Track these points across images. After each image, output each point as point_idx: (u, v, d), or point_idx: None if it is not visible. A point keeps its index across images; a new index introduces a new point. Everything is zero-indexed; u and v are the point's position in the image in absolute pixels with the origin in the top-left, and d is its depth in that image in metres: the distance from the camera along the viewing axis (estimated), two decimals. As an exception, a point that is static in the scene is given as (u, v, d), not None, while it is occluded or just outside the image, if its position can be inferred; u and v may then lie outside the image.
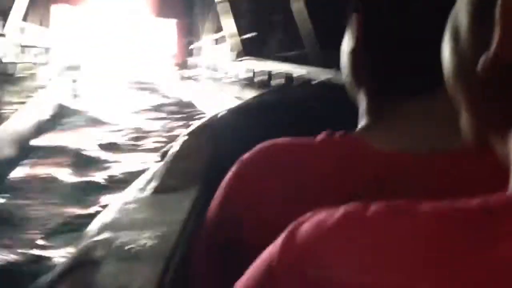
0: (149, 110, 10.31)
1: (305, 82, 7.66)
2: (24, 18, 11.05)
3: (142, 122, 8.94)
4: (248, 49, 10.88)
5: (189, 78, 13.92)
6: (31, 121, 7.81)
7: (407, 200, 0.36)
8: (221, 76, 11.92)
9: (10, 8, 9.17)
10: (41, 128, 7.90)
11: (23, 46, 10.70)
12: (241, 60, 11.02)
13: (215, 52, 13.19)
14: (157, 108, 10.63)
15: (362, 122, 0.70)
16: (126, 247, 0.96)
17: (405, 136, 0.65)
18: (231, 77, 11.33)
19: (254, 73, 10.12)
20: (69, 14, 15.18)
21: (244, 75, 10.65)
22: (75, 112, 9.33)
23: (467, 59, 0.38)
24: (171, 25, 15.89)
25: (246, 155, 0.71)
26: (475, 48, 0.37)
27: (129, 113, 9.49)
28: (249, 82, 10.08)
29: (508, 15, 0.34)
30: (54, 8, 14.55)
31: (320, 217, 0.38)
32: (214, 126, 1.14)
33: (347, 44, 0.71)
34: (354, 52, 0.69)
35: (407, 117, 0.66)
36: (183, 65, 15.42)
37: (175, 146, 1.14)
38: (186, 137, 1.14)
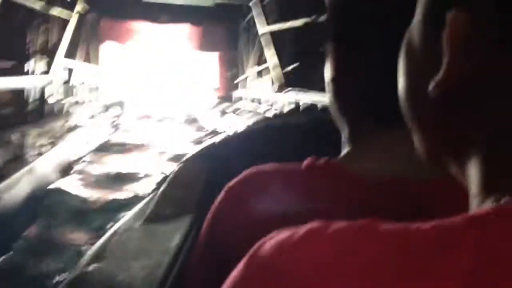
0: (191, 144, 10.38)
1: (308, 108, 7.63)
2: (73, 56, 11.37)
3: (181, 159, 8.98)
4: (292, 81, 10.86)
5: (231, 111, 13.99)
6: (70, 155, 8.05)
7: (369, 220, 0.36)
8: (265, 109, 11.91)
9: (56, 46, 9.42)
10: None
11: (69, 84, 11.00)
12: (285, 92, 11.00)
13: (258, 85, 13.24)
14: (198, 142, 10.71)
15: (345, 149, 0.71)
16: (118, 278, 0.95)
17: (386, 164, 0.65)
18: (275, 110, 11.31)
19: (298, 105, 10.07)
20: (117, 51, 15.60)
21: (288, 107, 10.61)
22: (116, 148, 9.47)
23: (419, 79, 0.39)
24: (213, 58, 16.12)
25: (232, 182, 0.72)
26: (427, 69, 0.38)
27: (171, 148, 9.57)
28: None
29: (455, 39, 0.35)
30: (103, 46, 14.94)
31: (283, 236, 0.38)
32: (209, 154, 1.13)
33: (327, 73, 0.72)
34: (334, 81, 0.70)
35: (388, 145, 0.66)
36: (226, 98, 15.50)
37: (171, 175, 1.13)
38: (182, 165, 1.13)
